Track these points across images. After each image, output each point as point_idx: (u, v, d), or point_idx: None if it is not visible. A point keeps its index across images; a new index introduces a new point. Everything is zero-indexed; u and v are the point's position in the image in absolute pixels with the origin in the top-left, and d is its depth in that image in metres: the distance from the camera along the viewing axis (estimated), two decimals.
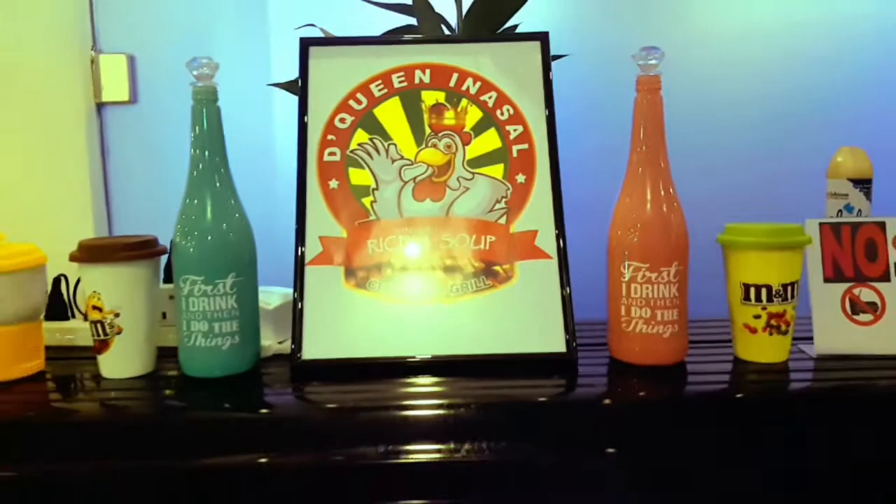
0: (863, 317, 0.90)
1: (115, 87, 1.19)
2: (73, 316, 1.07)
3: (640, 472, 0.76)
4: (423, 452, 0.74)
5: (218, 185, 0.87)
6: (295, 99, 0.98)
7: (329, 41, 1.02)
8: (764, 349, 0.87)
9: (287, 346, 0.94)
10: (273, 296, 1.02)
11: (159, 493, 0.74)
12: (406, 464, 0.74)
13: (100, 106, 1.21)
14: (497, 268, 0.93)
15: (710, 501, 0.76)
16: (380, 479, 0.74)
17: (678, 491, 0.76)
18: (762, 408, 0.79)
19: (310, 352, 0.89)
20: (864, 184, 1.00)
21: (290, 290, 0.92)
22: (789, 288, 0.86)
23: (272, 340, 0.97)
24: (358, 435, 0.76)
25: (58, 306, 1.05)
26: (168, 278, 0.97)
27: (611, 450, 0.74)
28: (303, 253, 0.93)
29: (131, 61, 1.20)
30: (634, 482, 0.75)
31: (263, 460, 0.74)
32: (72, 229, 1.06)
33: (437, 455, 0.74)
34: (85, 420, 0.78)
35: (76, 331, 1.03)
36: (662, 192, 0.87)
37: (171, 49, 1.20)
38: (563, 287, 0.91)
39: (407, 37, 1.05)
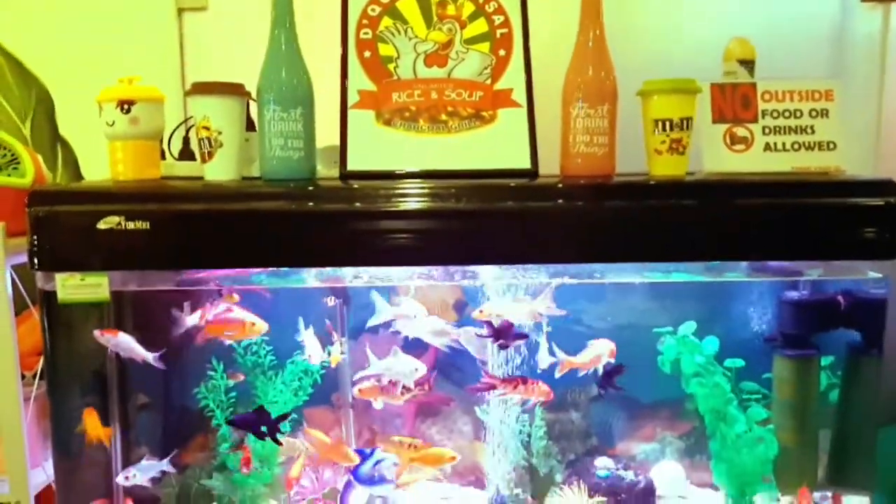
0: (737, 147, 1.29)
1: None
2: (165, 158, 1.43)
3: (576, 226, 1.15)
4: (422, 203, 1.13)
5: (290, 46, 1.24)
6: None
7: None
8: (669, 165, 1.26)
9: (333, 173, 1.32)
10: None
11: (246, 225, 1.13)
12: (410, 210, 1.14)
13: (180, 10, 1.59)
14: (484, 113, 1.31)
15: (624, 241, 1.15)
16: (389, 217, 1.13)
17: (605, 238, 1.15)
18: (668, 189, 1.20)
19: (352, 165, 1.27)
20: (748, 64, 1.40)
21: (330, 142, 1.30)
22: (686, 121, 1.25)
23: (322, 166, 1.34)
24: (375, 200, 1.15)
25: None
26: None
27: (560, 200, 1.13)
28: (346, 101, 1.30)
29: None
30: (573, 230, 1.14)
31: (311, 204, 1.13)
32: None
33: (434, 205, 1.13)
34: (199, 190, 1.17)
35: (171, 165, 1.40)
36: (600, 55, 1.25)
37: None
38: (529, 126, 1.30)
39: None
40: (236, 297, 1.32)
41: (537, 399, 1.32)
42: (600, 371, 1.32)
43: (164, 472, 1.36)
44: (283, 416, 1.34)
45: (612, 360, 1.32)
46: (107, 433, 1.35)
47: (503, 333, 1.29)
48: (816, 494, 1.41)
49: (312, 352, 1.36)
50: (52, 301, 1.14)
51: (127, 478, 1.34)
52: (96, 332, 1.29)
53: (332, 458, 1.38)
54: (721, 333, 1.37)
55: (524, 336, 1.31)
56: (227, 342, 1.33)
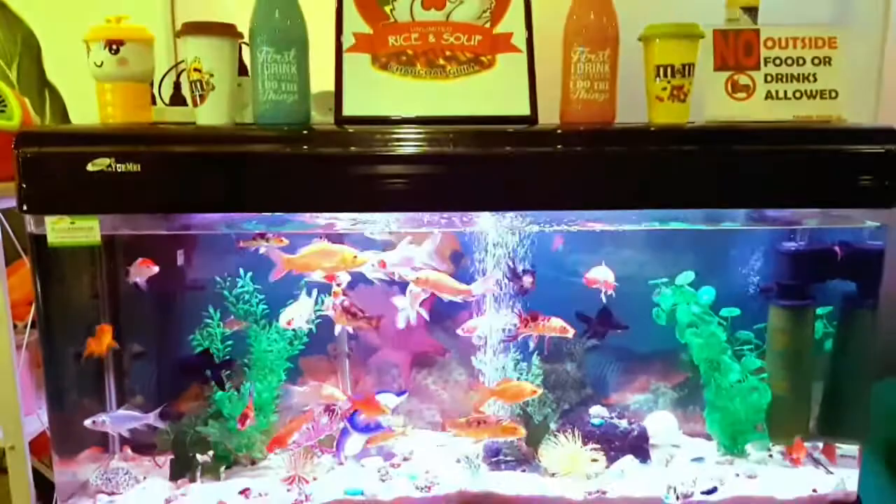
0: (739, 95, 1.27)
1: None
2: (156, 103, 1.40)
3: (575, 172, 1.14)
4: (418, 148, 1.12)
5: None
6: None
7: None
8: (669, 113, 1.24)
9: (328, 119, 1.30)
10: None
11: (239, 168, 1.13)
12: (407, 154, 1.13)
13: None
14: (482, 58, 1.28)
15: (622, 188, 1.14)
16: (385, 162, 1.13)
17: (604, 185, 1.14)
18: (667, 135, 1.19)
19: (348, 110, 1.24)
20: (751, 11, 1.37)
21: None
22: (688, 67, 1.22)
23: (316, 113, 1.32)
24: (371, 144, 1.14)
25: None
26: None
27: (559, 146, 1.11)
28: (342, 44, 1.27)
29: None
30: (571, 177, 1.13)
31: (305, 147, 1.13)
32: None
33: (430, 150, 1.12)
34: (192, 132, 1.15)
35: (162, 111, 1.37)
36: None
37: None
38: (529, 72, 1.27)
39: None
40: (285, 241, 1.29)
41: (552, 335, 1.33)
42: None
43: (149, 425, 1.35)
44: (228, 363, 1.35)
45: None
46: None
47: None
48: (808, 444, 1.43)
49: (298, 314, 1.35)
50: (42, 245, 1.12)
51: (94, 423, 1.32)
52: (138, 261, 1.30)
53: (365, 410, 1.37)
54: (717, 283, 1.37)
55: (532, 272, 1.34)
56: (220, 290, 1.32)
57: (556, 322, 1.32)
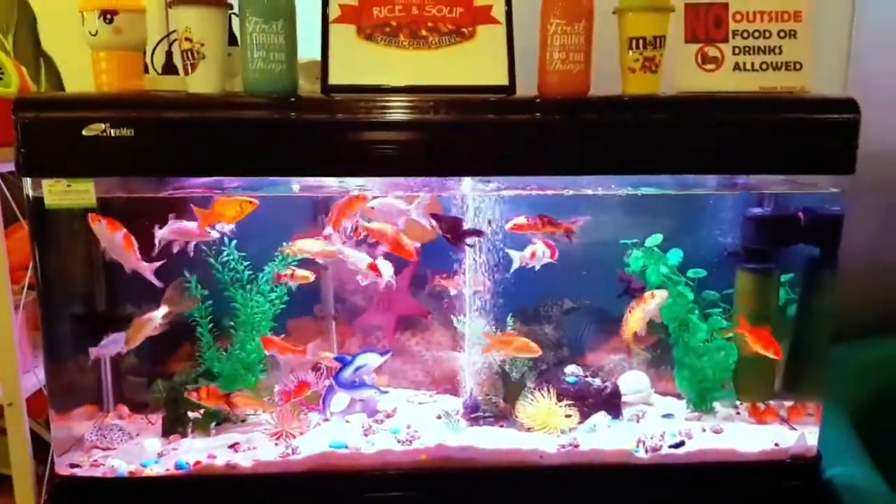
0: (708, 66, 1.33)
1: None
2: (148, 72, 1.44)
3: (551, 140, 1.20)
4: (401, 116, 1.18)
5: None
6: None
7: None
8: (641, 84, 1.30)
9: (315, 88, 1.34)
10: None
11: (229, 133, 1.17)
12: (390, 122, 1.18)
13: None
14: (463, 29, 1.33)
15: (596, 155, 1.20)
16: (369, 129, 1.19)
17: (578, 152, 1.20)
18: (642, 104, 1.25)
19: (334, 79, 1.29)
20: None
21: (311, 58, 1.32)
22: (659, 39, 1.28)
23: (303, 81, 1.36)
24: (356, 111, 1.19)
25: None
26: None
27: (538, 114, 1.17)
28: (328, 15, 1.32)
29: None
30: (548, 144, 1.19)
31: (293, 114, 1.18)
32: None
33: (413, 117, 1.18)
34: (183, 99, 1.20)
35: (155, 79, 1.41)
36: None
37: None
38: (508, 43, 1.32)
39: None
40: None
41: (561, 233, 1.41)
42: None
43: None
44: None
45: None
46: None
47: (454, 231, 1.37)
48: (773, 402, 1.50)
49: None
50: (40, 207, 1.17)
51: None
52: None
53: None
54: (686, 248, 1.44)
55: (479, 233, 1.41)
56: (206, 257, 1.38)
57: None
